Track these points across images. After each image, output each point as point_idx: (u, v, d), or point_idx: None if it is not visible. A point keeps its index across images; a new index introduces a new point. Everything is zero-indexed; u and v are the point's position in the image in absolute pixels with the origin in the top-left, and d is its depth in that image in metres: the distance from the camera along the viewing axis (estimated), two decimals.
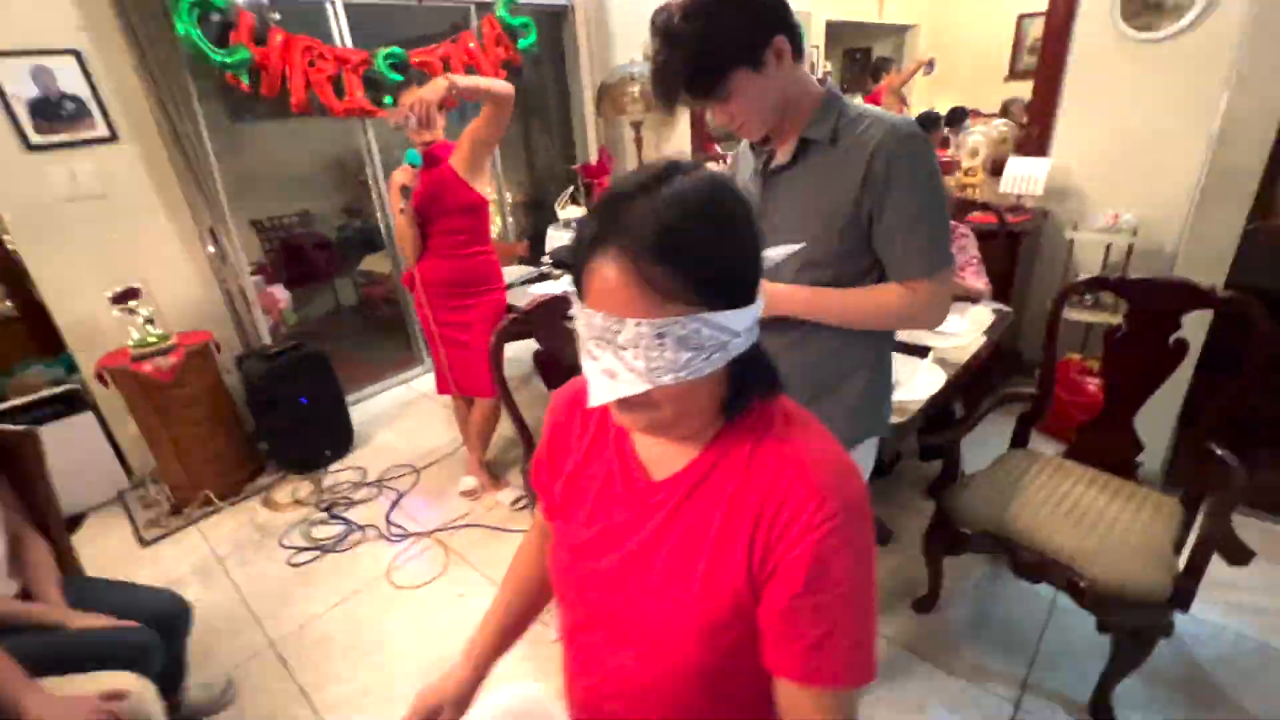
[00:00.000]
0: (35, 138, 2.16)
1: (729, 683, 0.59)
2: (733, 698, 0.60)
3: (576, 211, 3.33)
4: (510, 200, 4.07)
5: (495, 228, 3.61)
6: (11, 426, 1.46)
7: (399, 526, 2.29)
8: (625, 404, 0.55)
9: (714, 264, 0.51)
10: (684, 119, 3.70)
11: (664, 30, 0.90)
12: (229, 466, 2.52)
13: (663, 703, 0.61)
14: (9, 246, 2.48)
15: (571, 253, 0.54)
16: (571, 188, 3.48)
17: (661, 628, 0.59)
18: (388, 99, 2.86)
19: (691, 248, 0.49)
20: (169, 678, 1.47)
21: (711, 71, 0.92)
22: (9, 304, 2.88)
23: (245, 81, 2.48)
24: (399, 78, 2.81)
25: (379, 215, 3.28)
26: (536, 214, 4.51)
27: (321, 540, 2.24)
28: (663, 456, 0.62)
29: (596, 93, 3.70)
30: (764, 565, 0.55)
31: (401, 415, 3.13)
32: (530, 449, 1.70)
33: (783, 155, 1.02)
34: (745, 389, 0.58)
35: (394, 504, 2.41)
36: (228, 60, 2.42)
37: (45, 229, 2.24)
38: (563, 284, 2.59)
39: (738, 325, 0.53)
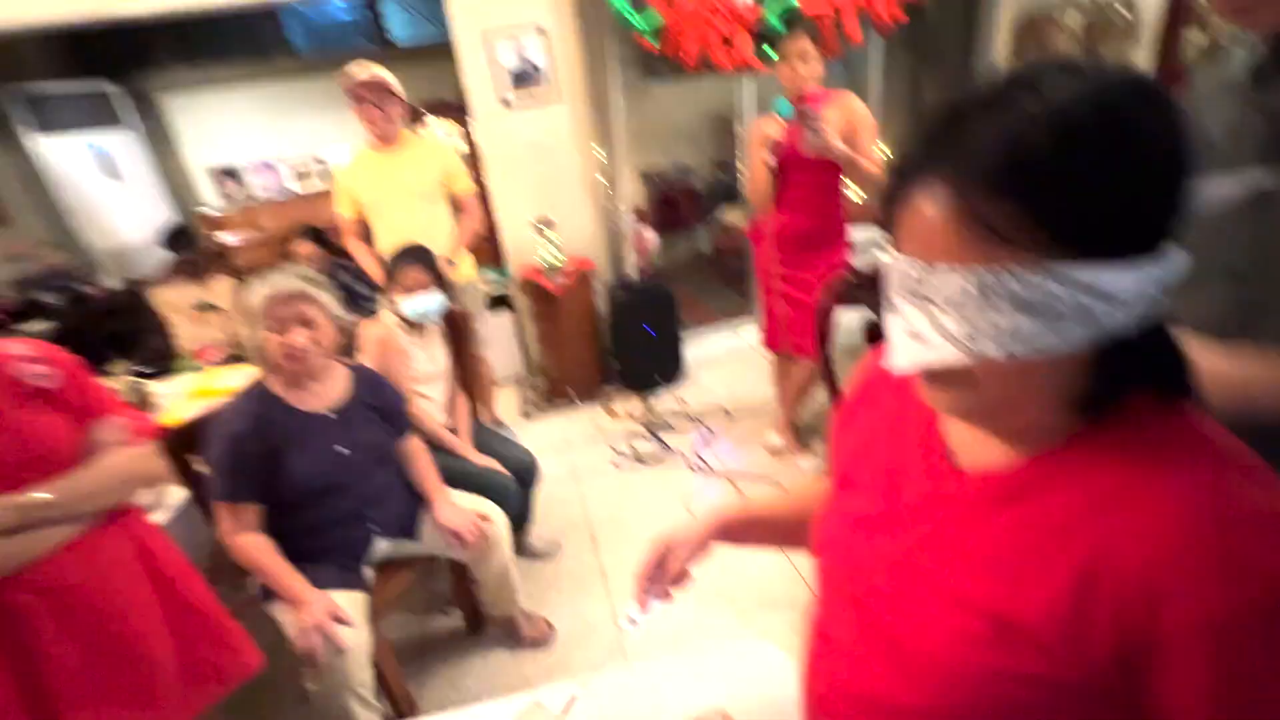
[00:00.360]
0: (511, 99, 2.86)
1: None
2: None
3: None
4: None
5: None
6: (459, 308, 2.03)
7: (704, 461, 2.46)
8: (933, 378, 0.44)
9: (1092, 198, 0.35)
10: (1145, 57, 2.79)
11: None
12: (587, 374, 3.06)
13: None
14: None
15: (886, 184, 0.43)
16: None
17: (928, 658, 0.48)
18: (766, 47, 2.89)
19: (1061, 176, 0.35)
20: (518, 519, 1.90)
21: None
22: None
23: (654, 42, 2.81)
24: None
25: (739, 167, 3.42)
26: None
27: (641, 453, 2.57)
28: (976, 443, 0.49)
29: (1016, 27, 3.07)
30: (1125, 646, 0.39)
31: (726, 361, 3.31)
32: None
33: None
34: (1119, 381, 0.41)
35: (705, 440, 2.60)
36: (643, 23, 2.76)
37: (506, 169, 2.98)
38: None
39: (1117, 287, 0.36)
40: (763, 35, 2.90)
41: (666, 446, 2.57)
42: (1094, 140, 0.35)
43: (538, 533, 2.09)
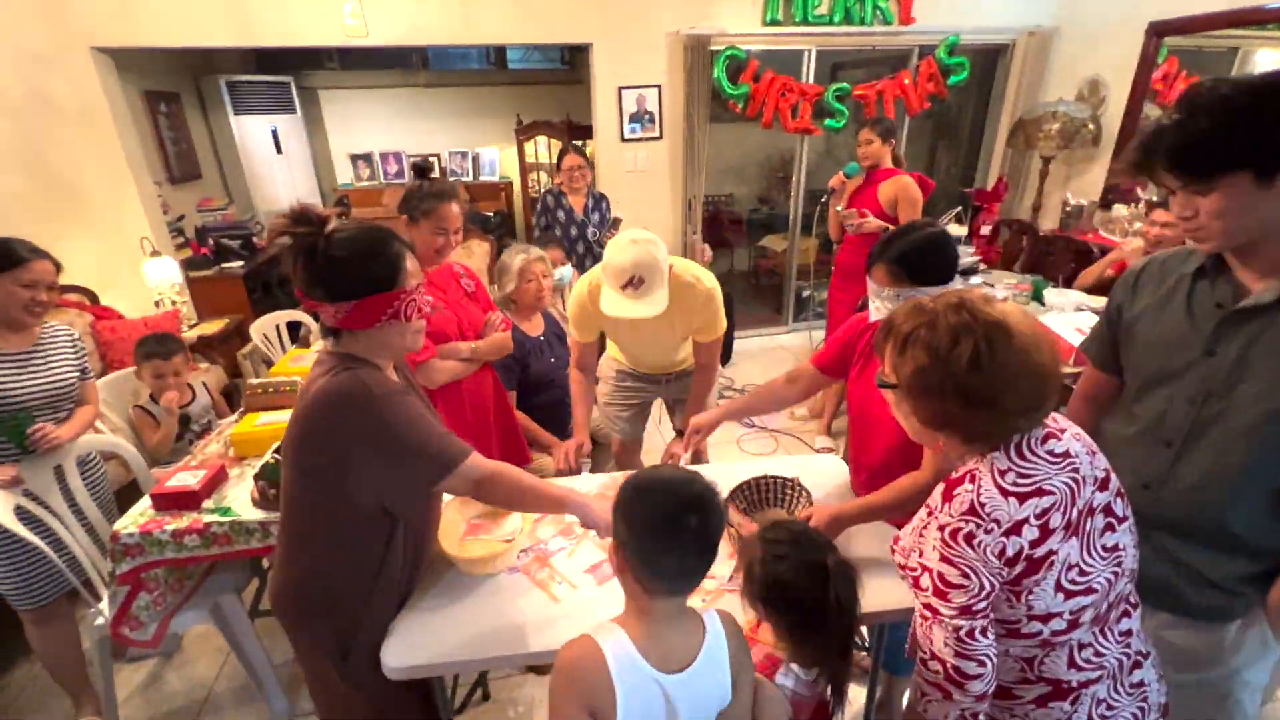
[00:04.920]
0: (626, 134, 3.74)
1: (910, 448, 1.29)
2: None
3: (957, 230, 3.75)
4: None
5: None
6: None
7: (750, 422, 3.31)
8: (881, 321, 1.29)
9: (924, 273, 1.22)
10: (1104, 161, 3.68)
11: (1200, 92, 0.81)
12: None
13: (879, 452, 1.34)
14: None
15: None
16: (959, 208, 3.88)
17: (882, 422, 1.32)
18: (829, 122, 3.79)
19: (916, 265, 1.22)
20: None
21: (1210, 155, 0.81)
22: None
23: (741, 106, 3.70)
24: (841, 108, 3.71)
25: (790, 206, 4.30)
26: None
27: None
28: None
29: (1012, 124, 3.98)
30: None
31: (760, 356, 4.17)
32: None
33: (1263, 293, 0.87)
34: None
35: None
36: (735, 92, 3.66)
37: (616, 187, 3.84)
38: None
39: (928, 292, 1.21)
40: (821, 109, 3.81)
41: None
42: (932, 252, 1.22)
43: None
